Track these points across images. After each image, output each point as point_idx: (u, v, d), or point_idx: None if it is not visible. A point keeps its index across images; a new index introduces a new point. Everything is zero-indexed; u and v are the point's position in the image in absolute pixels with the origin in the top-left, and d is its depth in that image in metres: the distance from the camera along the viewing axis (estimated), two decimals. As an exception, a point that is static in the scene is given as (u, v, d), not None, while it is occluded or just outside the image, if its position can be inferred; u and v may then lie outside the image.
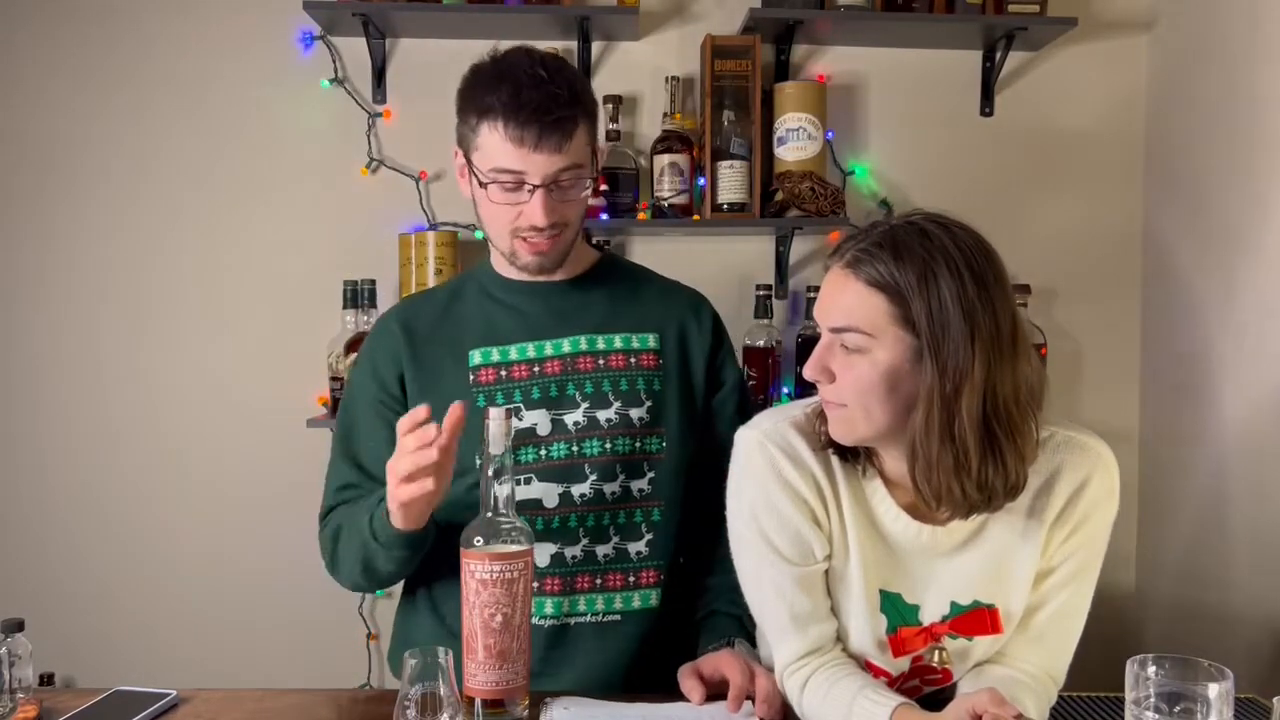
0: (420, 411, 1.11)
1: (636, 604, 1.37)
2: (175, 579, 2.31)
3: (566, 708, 1.18)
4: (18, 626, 1.14)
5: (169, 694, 1.22)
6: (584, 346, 1.38)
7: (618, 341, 1.40)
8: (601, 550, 1.35)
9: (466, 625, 1.10)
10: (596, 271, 1.46)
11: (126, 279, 2.29)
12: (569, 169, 1.29)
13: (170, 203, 2.28)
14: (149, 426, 2.30)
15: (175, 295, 2.29)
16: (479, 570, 1.09)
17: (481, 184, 1.30)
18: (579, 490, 1.34)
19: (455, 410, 1.11)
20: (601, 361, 1.38)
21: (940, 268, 1.00)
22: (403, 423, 1.12)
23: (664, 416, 1.39)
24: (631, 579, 1.36)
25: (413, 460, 1.10)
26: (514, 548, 1.10)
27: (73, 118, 2.26)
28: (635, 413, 1.37)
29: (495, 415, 1.10)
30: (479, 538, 1.10)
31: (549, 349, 1.38)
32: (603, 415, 1.36)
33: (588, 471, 1.35)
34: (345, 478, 1.38)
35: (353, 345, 2.14)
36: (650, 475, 1.37)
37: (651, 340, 1.41)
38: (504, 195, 1.29)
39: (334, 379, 2.18)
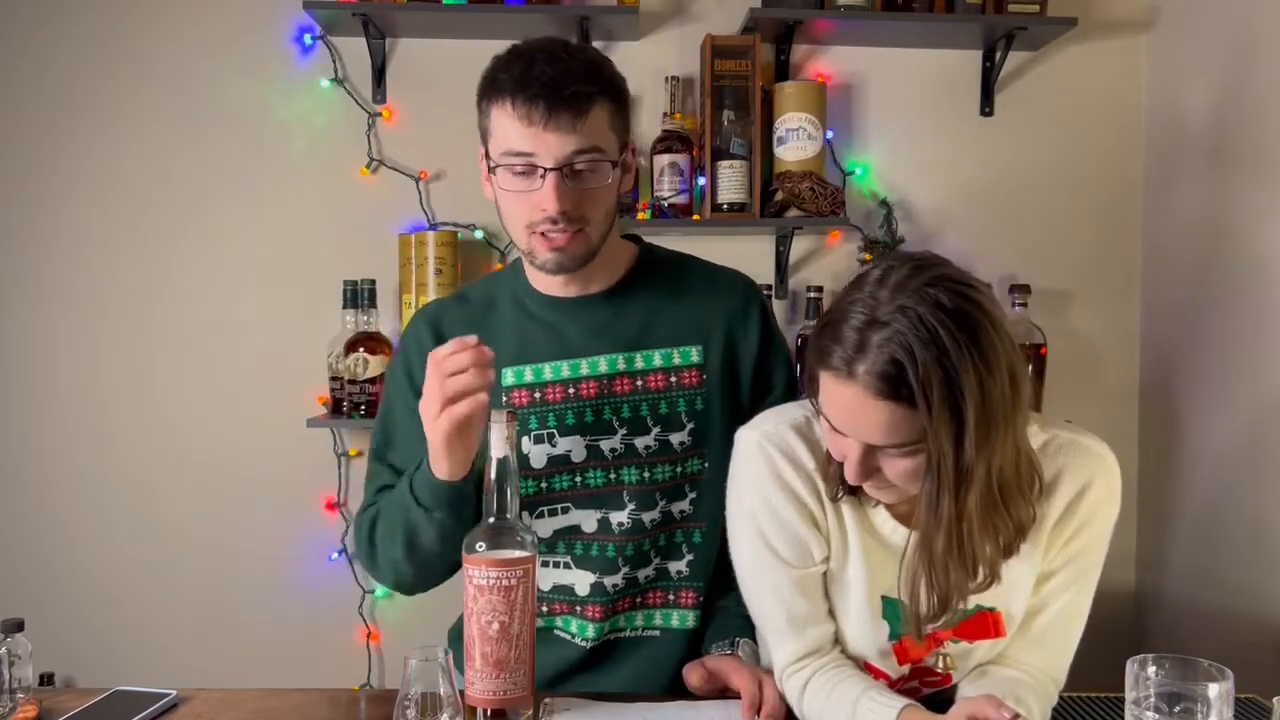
0: (470, 339, 1.14)
1: (675, 623, 1.34)
2: (175, 579, 2.31)
3: (568, 708, 1.18)
4: (18, 626, 1.14)
5: (169, 694, 1.21)
6: (621, 366, 1.31)
7: (657, 359, 1.32)
8: (643, 574, 1.33)
9: (466, 632, 1.09)
10: (634, 276, 1.36)
11: (126, 279, 2.28)
12: (585, 152, 1.18)
13: (170, 202, 2.28)
14: (149, 426, 2.30)
15: (175, 295, 2.29)
16: (476, 576, 1.08)
17: (492, 169, 1.22)
18: (617, 519, 1.30)
19: (478, 347, 1.14)
20: (639, 383, 1.31)
21: (954, 361, 0.94)
22: (442, 350, 1.14)
23: (707, 437, 1.31)
24: (671, 597, 1.34)
25: (458, 382, 1.11)
26: (513, 554, 1.08)
27: (72, 118, 2.25)
28: (676, 438, 1.30)
29: (496, 418, 1.09)
30: (480, 543, 1.09)
31: (585, 368, 1.30)
32: (640, 442, 1.30)
33: (626, 499, 1.30)
34: (384, 479, 1.34)
35: (352, 345, 2.14)
36: (692, 496, 1.32)
37: (694, 354, 1.33)
38: (515, 182, 1.20)
39: (334, 379, 2.18)
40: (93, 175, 2.27)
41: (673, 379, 1.32)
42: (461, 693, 1.06)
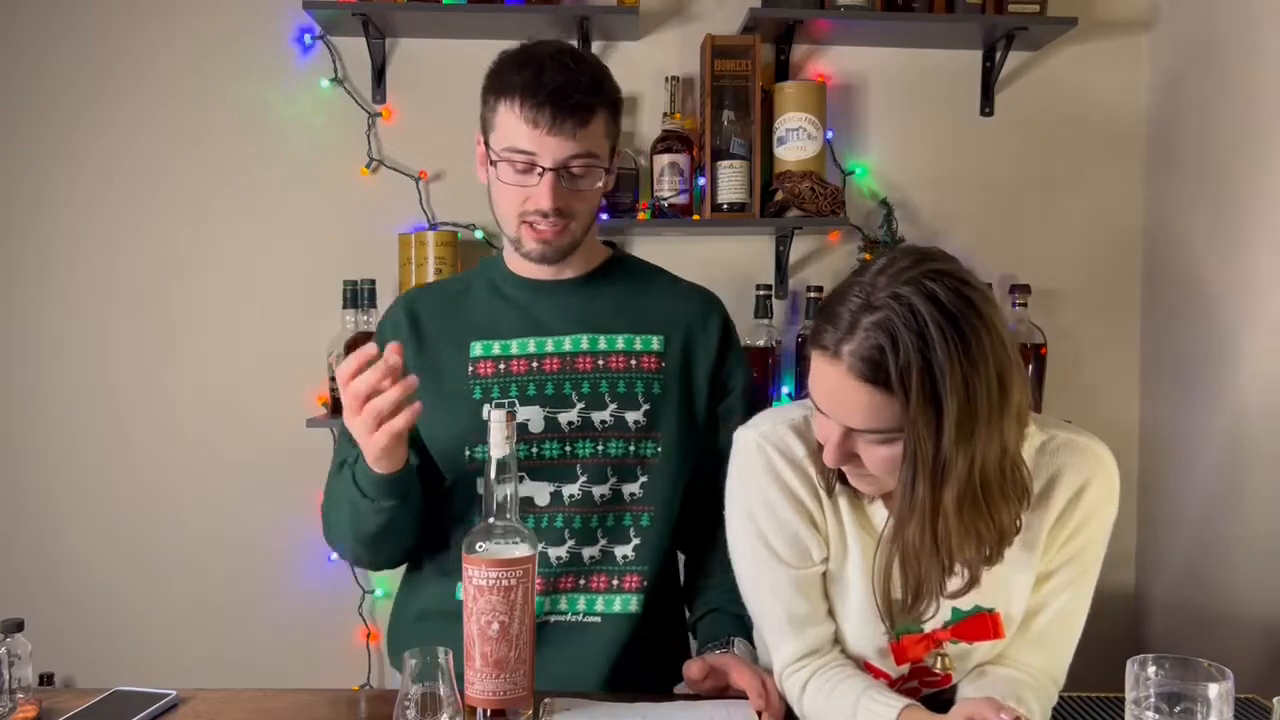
0: (368, 349, 1.16)
1: (617, 608, 1.35)
2: (175, 579, 2.31)
3: (568, 708, 1.18)
4: (18, 626, 1.14)
5: (169, 694, 1.21)
6: (585, 346, 1.38)
7: (620, 342, 1.38)
8: (588, 552, 1.35)
9: (466, 632, 1.09)
10: (605, 269, 1.45)
11: (126, 279, 2.28)
12: (581, 156, 1.29)
13: (171, 202, 2.28)
14: (149, 427, 2.30)
15: (175, 295, 2.29)
16: (476, 576, 1.07)
17: (493, 162, 1.31)
18: (569, 491, 1.34)
19: (393, 347, 1.16)
20: (601, 362, 1.37)
21: (939, 354, 0.94)
22: (345, 369, 1.16)
23: (661, 421, 1.37)
24: (615, 582, 1.35)
25: (384, 401, 1.15)
26: (512, 554, 1.08)
27: (72, 117, 2.25)
28: (631, 416, 1.36)
29: (496, 418, 1.09)
30: (480, 543, 1.08)
31: (550, 345, 1.38)
32: (597, 417, 1.35)
33: (579, 472, 1.34)
34: (345, 454, 1.37)
35: (352, 345, 2.14)
36: (643, 480, 1.36)
37: (655, 343, 1.39)
38: (514, 176, 1.30)
39: (334, 379, 2.18)
40: (93, 175, 2.27)
41: (633, 362, 1.38)
42: (461, 693, 1.06)
